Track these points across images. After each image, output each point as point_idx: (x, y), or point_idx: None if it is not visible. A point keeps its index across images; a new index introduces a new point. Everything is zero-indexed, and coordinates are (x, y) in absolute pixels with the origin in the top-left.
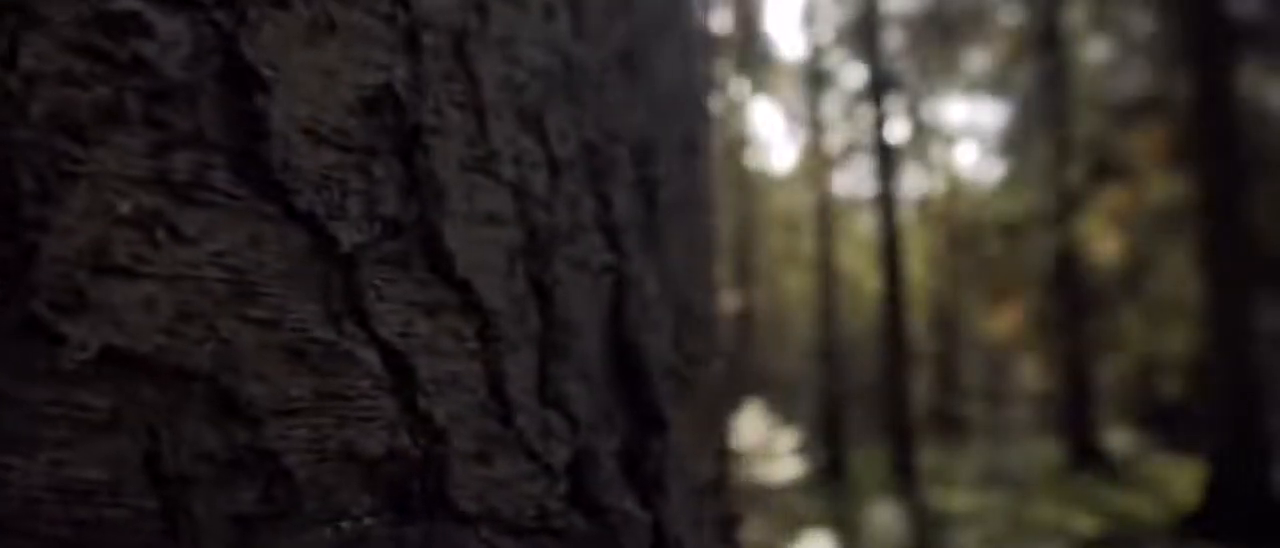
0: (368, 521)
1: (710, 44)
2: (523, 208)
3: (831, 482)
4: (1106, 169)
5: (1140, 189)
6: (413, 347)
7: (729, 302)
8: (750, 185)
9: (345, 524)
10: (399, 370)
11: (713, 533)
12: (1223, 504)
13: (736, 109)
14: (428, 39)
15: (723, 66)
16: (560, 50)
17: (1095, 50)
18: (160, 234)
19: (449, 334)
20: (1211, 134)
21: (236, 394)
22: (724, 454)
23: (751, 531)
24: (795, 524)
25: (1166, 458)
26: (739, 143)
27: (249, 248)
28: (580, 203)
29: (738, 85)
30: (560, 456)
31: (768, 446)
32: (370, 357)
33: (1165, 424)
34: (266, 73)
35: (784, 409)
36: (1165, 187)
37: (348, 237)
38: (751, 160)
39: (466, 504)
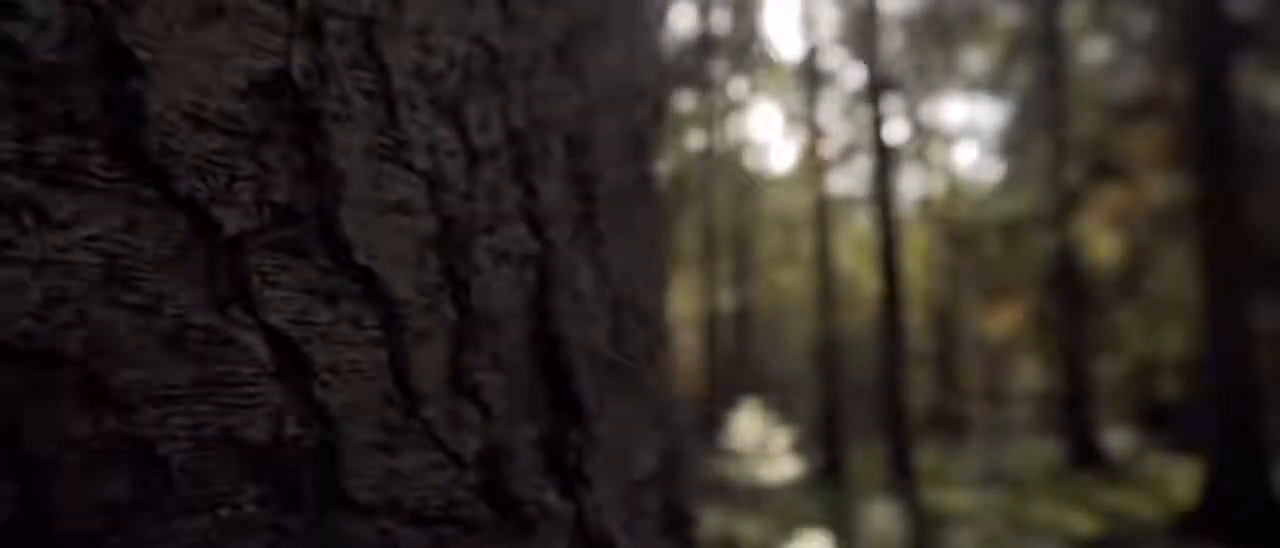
0: (250, 509)
1: (663, 38)
2: (437, 197)
3: (830, 481)
4: (1105, 169)
5: (1139, 189)
6: (307, 334)
7: (728, 301)
8: (749, 185)
9: (224, 512)
10: (289, 358)
11: (657, 527)
12: (1220, 504)
13: (736, 109)
14: (332, 25)
15: (722, 66)
16: (483, 40)
17: (1094, 50)
18: (28, 219)
19: (349, 322)
20: (1209, 134)
21: (108, 380)
22: (674, 450)
23: (748, 529)
24: (792, 524)
25: (1165, 458)
26: (738, 143)
27: (125, 233)
28: (502, 193)
29: (737, 85)
30: (471, 446)
31: (764, 445)
32: (256, 343)
33: (1164, 424)
34: (143, 56)
35: (783, 409)
36: (1164, 187)
37: (234, 222)
38: (751, 160)
39: (363, 494)
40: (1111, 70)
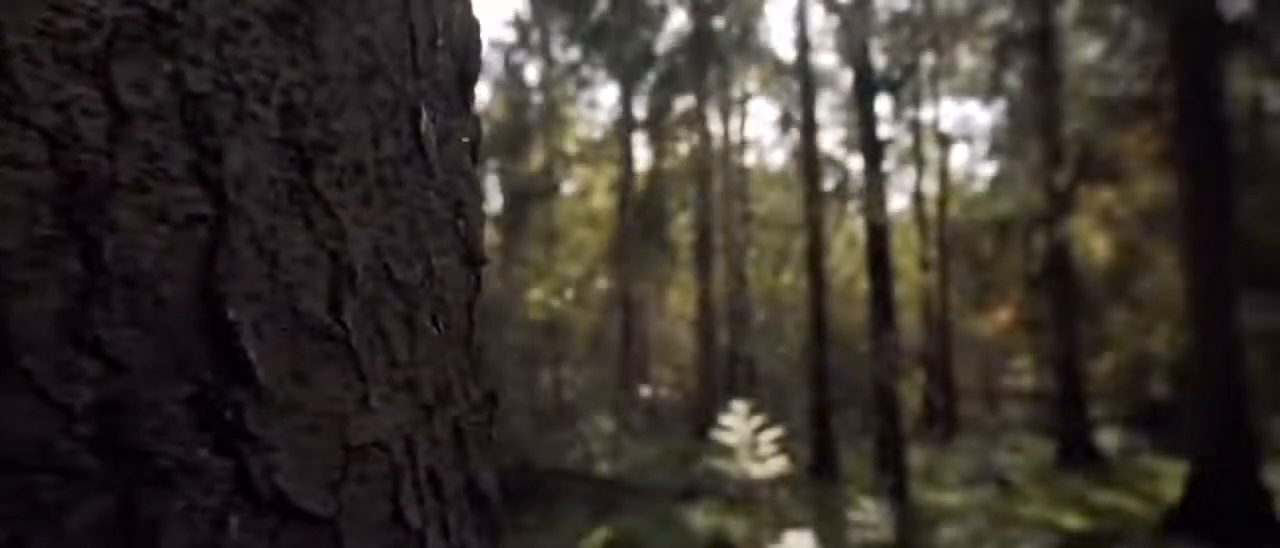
0: None
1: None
2: (61, 153)
3: (822, 479)
4: (1097, 169)
5: (1130, 189)
6: None
7: (723, 301)
8: (744, 184)
9: None
10: None
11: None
12: (1207, 502)
13: (731, 108)
14: None
15: (721, 66)
16: (143, 4)
17: (1085, 50)
18: None
19: None
20: (1199, 134)
21: None
22: (476, 424)
23: (738, 527)
24: (781, 522)
25: (1157, 457)
26: (734, 142)
27: None
28: (163, 153)
29: (733, 84)
30: (84, 397)
31: (752, 443)
32: None
33: (1156, 423)
34: None
35: (777, 408)
36: (1156, 187)
37: None
38: (746, 159)
39: None
40: (1103, 70)
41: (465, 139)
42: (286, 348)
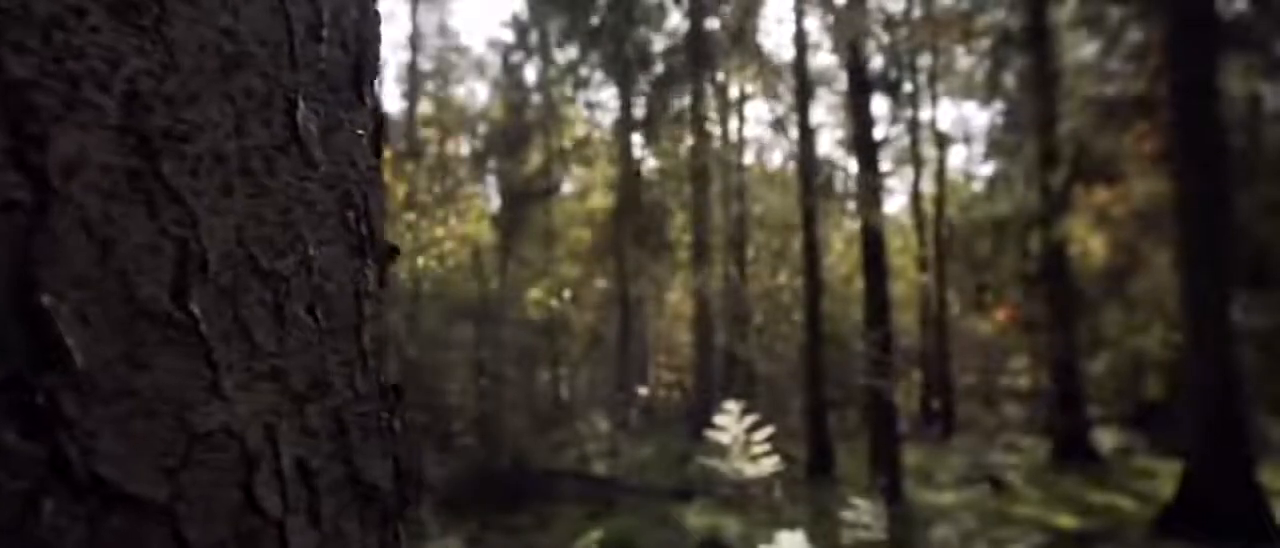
0: None
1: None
2: None
3: (818, 479)
4: (1093, 169)
5: (1127, 189)
6: None
7: (720, 301)
8: (743, 184)
9: None
10: None
11: (338, 502)
12: (1200, 501)
13: (729, 107)
14: None
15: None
16: None
17: (1082, 49)
18: None
19: None
20: (1194, 133)
21: None
22: (364, 416)
23: (731, 525)
24: (774, 521)
25: (1153, 456)
26: (732, 141)
27: None
28: None
29: (730, 84)
30: None
31: (745, 442)
32: None
33: (1153, 423)
34: None
35: (776, 408)
36: (1152, 186)
37: None
38: (744, 159)
39: None
40: (1100, 70)
41: (360, 132)
42: (119, 334)
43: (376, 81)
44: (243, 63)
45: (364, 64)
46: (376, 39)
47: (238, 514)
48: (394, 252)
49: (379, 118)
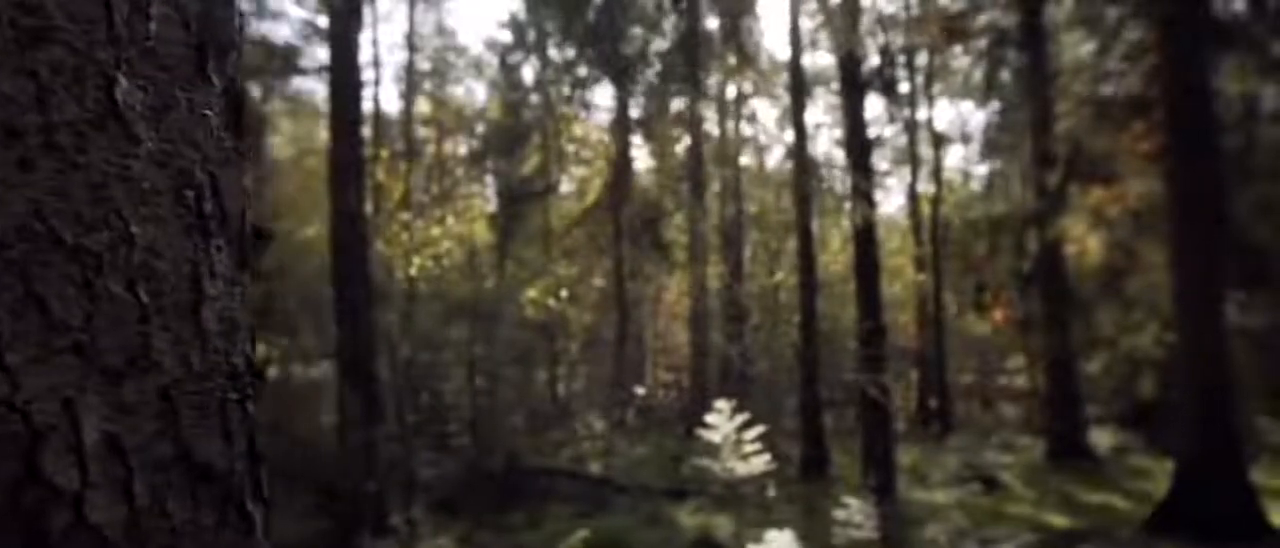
0: None
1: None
2: None
3: (813, 478)
4: (1088, 169)
5: (1123, 188)
6: None
7: (717, 300)
8: (739, 184)
9: None
10: None
11: (161, 476)
12: (1193, 500)
13: (727, 107)
14: None
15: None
16: None
17: (1078, 49)
18: None
19: None
20: (1189, 133)
21: None
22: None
23: (723, 525)
24: (764, 519)
25: (1149, 456)
26: (730, 141)
27: None
28: None
29: (729, 84)
30: None
31: (736, 441)
32: None
33: (1148, 422)
34: None
35: (773, 407)
36: (1147, 186)
37: None
38: (742, 158)
39: None
40: (1097, 69)
41: (205, 111)
42: None
43: (230, 61)
44: (46, 36)
45: (213, 42)
46: (229, 19)
47: (21, 487)
48: (263, 235)
49: (235, 98)
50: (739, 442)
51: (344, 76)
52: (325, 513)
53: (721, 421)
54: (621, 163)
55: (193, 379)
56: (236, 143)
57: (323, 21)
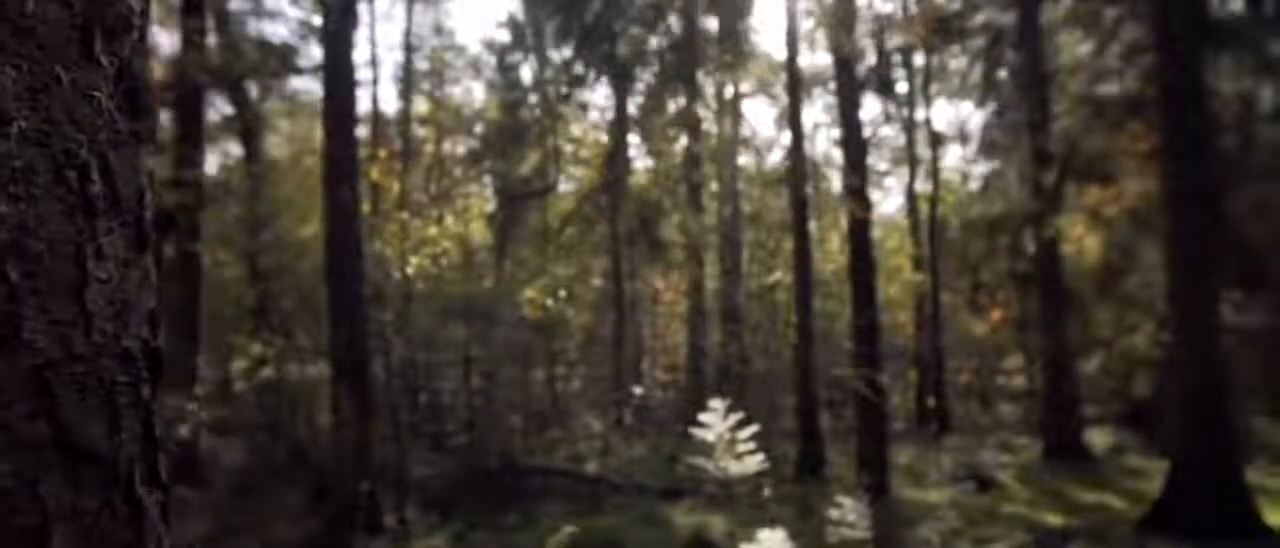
0: None
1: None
2: None
3: (808, 478)
4: (1085, 168)
5: (1119, 188)
6: None
7: (714, 300)
8: (737, 183)
9: None
10: None
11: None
12: (1187, 499)
13: (725, 107)
14: None
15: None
16: None
17: (1075, 49)
18: None
19: None
20: (1184, 133)
21: None
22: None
23: (717, 524)
24: (758, 519)
25: (1145, 455)
26: (728, 140)
27: None
28: None
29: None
30: None
31: (729, 440)
32: None
33: (1145, 422)
34: None
35: (771, 407)
36: (1144, 185)
37: None
38: (739, 158)
39: None
40: (1094, 69)
41: (92, 92)
42: None
43: (125, 42)
44: None
45: (93, 24)
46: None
47: None
48: (166, 220)
49: (130, 79)
50: (733, 441)
51: (339, 73)
52: (319, 512)
53: (715, 420)
54: (620, 162)
55: (75, 361)
56: (133, 125)
57: (319, 20)
